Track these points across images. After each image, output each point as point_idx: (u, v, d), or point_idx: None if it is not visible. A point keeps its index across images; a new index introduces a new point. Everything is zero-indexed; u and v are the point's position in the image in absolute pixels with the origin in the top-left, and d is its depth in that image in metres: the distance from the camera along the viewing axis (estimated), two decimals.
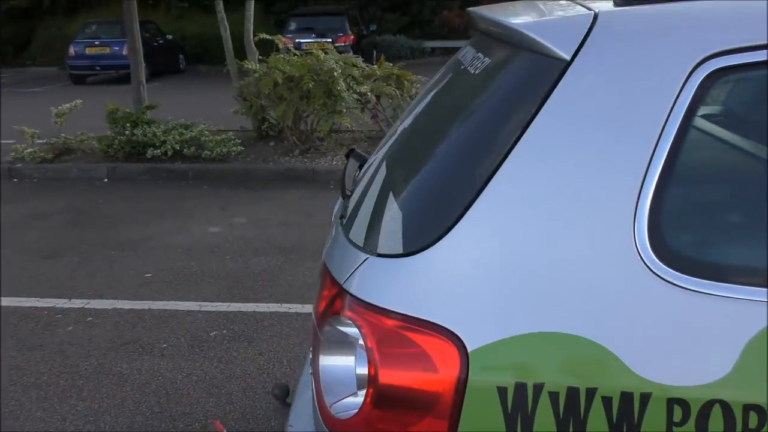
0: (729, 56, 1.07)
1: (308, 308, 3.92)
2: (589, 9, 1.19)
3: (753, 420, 1.01)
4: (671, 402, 1.02)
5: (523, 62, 1.23)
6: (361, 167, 1.80)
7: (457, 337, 1.08)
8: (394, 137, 1.59)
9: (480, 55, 1.43)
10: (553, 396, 1.05)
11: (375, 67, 7.44)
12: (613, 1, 1.21)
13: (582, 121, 1.11)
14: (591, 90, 1.12)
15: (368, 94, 7.11)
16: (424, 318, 1.10)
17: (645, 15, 1.15)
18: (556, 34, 1.17)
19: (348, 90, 6.81)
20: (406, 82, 7.40)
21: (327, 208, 5.92)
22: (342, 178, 1.71)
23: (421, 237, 1.15)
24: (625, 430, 1.03)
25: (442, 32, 19.54)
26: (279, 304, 3.92)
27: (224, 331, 3.60)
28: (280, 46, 7.94)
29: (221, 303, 3.95)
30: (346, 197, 1.53)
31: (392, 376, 1.11)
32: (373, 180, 1.44)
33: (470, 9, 1.73)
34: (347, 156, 1.86)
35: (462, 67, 1.51)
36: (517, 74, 1.23)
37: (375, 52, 14.71)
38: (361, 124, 7.45)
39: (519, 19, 1.31)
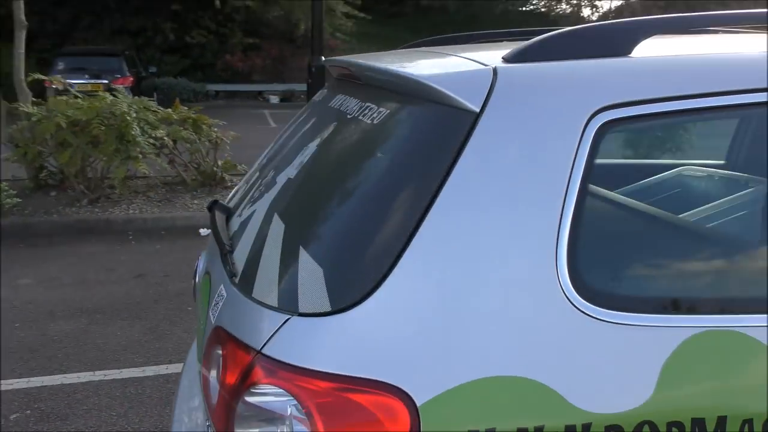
0: (616, 109, 1.20)
1: (127, 373, 3.57)
2: (483, 63, 1.25)
3: None
4: (608, 429, 1.09)
5: (430, 113, 1.24)
6: (228, 219, 1.70)
7: (404, 393, 1.05)
8: (278, 187, 1.52)
9: (370, 104, 1.42)
10: None
11: (170, 110, 7.12)
12: (502, 58, 1.28)
13: (498, 169, 1.15)
14: (503, 139, 1.17)
15: (165, 138, 6.77)
16: (365, 377, 1.06)
17: (538, 71, 1.24)
18: (464, 87, 1.20)
19: (143, 134, 6.42)
20: (204, 126, 7.18)
21: (128, 261, 5.50)
22: (215, 232, 1.59)
23: (349, 292, 1.10)
24: None
25: (225, 75, 19.34)
26: (92, 373, 3.50)
27: (28, 412, 3.12)
28: (59, 87, 7.27)
29: (18, 379, 3.43)
30: (228, 253, 1.43)
31: None
32: (265, 233, 1.36)
33: (337, 58, 1.74)
34: (210, 209, 1.74)
35: (349, 116, 1.49)
36: (427, 125, 1.24)
37: (156, 95, 14.09)
38: (157, 169, 7.05)
39: (418, 71, 1.33)
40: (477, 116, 1.17)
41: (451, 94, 1.19)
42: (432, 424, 1.05)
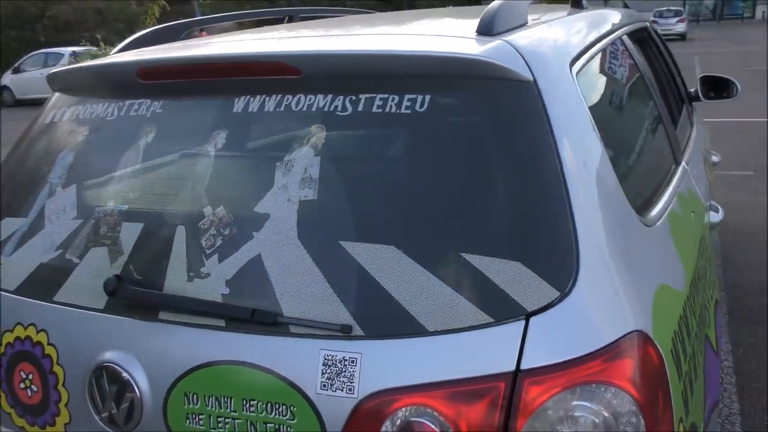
0: None
1: None
2: (488, 36, 1.38)
3: None
4: (690, 294, 1.57)
5: (488, 90, 1.27)
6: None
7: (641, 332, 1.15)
8: (292, 221, 1.26)
9: (381, 95, 1.28)
10: None
11: None
12: (477, 31, 1.40)
13: (577, 127, 1.31)
14: (560, 99, 1.29)
15: None
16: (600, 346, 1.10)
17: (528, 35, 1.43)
18: (510, 60, 1.27)
19: None
20: None
21: None
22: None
23: (562, 275, 1.14)
24: None
25: None
26: None
27: None
28: None
29: None
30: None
31: None
32: (354, 269, 1.19)
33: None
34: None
35: (345, 114, 1.31)
36: (492, 102, 1.27)
37: None
38: None
39: (454, 50, 1.31)
40: (533, 84, 1.26)
41: (509, 67, 1.26)
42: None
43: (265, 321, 1.19)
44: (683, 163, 2.13)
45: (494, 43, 1.35)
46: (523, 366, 1.07)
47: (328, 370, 1.14)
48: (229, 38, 1.85)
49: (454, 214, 1.21)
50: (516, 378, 1.07)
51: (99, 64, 1.68)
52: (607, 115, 1.61)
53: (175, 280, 1.30)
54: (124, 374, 1.27)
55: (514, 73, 1.27)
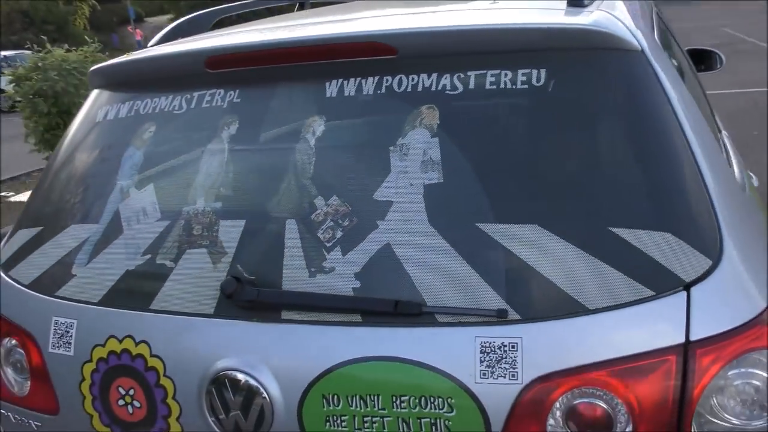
0: None
1: None
2: (580, 8, 1.36)
3: None
4: None
5: (603, 60, 1.25)
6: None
7: None
8: (439, 201, 1.21)
9: (491, 71, 1.26)
10: None
11: None
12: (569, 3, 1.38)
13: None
14: (665, 71, 1.29)
15: None
16: None
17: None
18: (620, 30, 1.26)
19: None
20: None
21: None
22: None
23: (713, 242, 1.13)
24: None
25: None
26: None
27: None
28: None
29: None
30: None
31: None
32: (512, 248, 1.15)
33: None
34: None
35: (457, 92, 1.26)
36: (611, 73, 1.25)
37: None
38: None
39: (563, 21, 1.28)
40: (643, 53, 1.26)
41: (625, 37, 1.25)
42: None
43: (411, 312, 1.13)
44: (723, 130, 2.16)
45: (597, 13, 1.32)
46: (692, 337, 1.05)
47: (487, 358, 1.09)
48: (282, 23, 1.77)
49: (593, 189, 1.17)
50: (687, 350, 1.05)
51: (158, 56, 1.57)
52: (686, 84, 1.61)
53: (295, 278, 1.22)
54: (251, 380, 1.19)
55: (627, 42, 1.25)
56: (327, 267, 1.22)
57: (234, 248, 1.29)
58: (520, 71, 1.25)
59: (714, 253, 1.10)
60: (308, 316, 1.20)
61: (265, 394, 1.18)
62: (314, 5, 2.72)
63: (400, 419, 1.12)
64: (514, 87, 1.25)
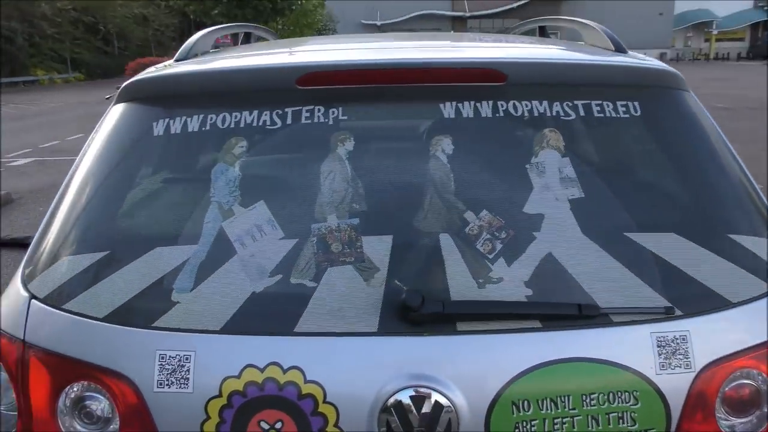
0: None
1: None
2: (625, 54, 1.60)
3: None
4: None
5: (671, 96, 1.48)
6: None
7: None
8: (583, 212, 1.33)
9: (604, 102, 1.41)
10: None
11: None
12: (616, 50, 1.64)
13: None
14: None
15: None
16: None
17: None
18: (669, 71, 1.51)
19: None
20: None
21: None
22: None
23: None
24: None
25: None
26: None
27: None
28: None
29: None
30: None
31: None
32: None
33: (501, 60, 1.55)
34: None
35: (569, 118, 1.40)
36: (679, 106, 1.48)
37: None
38: None
39: (643, 63, 1.48)
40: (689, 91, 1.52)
41: (681, 77, 1.50)
42: None
43: (591, 314, 1.22)
44: None
45: (649, 59, 1.56)
46: None
47: (664, 351, 1.21)
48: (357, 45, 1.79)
49: (709, 202, 1.38)
50: None
51: (236, 69, 1.48)
52: None
53: (463, 289, 1.24)
54: (437, 396, 1.16)
55: (683, 83, 1.50)
56: (495, 277, 1.25)
57: (386, 263, 1.26)
58: (619, 103, 1.43)
59: None
60: (484, 326, 1.22)
61: (452, 409, 1.17)
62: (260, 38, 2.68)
63: (589, 416, 1.19)
64: (617, 116, 1.42)
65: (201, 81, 1.47)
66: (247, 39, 2.72)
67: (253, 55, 1.66)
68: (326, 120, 1.39)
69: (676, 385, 1.21)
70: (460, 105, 1.39)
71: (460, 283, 1.24)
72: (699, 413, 1.21)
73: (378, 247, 1.27)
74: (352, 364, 1.20)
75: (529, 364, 1.19)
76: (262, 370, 1.19)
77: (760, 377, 1.24)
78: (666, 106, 1.46)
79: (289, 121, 1.39)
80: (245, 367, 1.20)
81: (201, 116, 1.41)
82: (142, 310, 1.25)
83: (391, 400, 1.17)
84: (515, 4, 39.47)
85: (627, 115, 1.42)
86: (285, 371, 1.19)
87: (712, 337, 1.24)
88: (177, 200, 1.36)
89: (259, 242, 1.29)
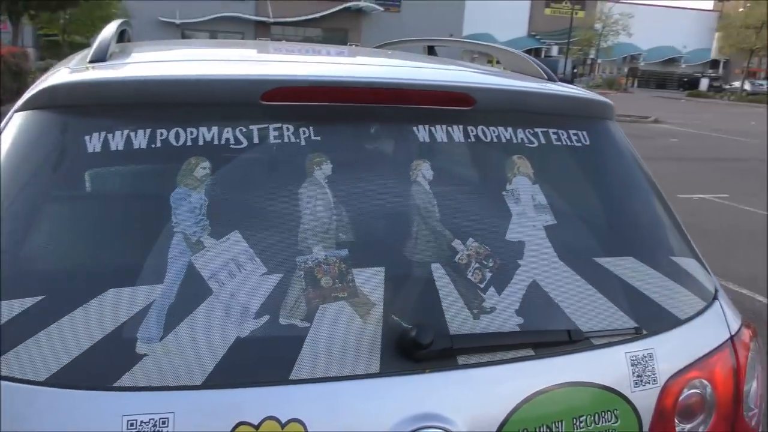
0: None
1: None
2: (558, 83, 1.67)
3: None
4: None
5: (604, 126, 1.56)
6: None
7: None
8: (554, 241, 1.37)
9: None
10: None
11: None
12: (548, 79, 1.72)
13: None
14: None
15: None
16: None
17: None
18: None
19: None
20: None
21: None
22: None
23: None
24: None
25: None
26: None
27: None
28: None
29: None
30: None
31: None
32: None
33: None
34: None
35: (530, 145, 1.43)
36: (616, 139, 1.57)
37: None
38: None
39: (573, 92, 1.56)
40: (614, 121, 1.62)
41: (611, 109, 1.60)
42: None
43: (578, 339, 1.25)
44: None
45: (581, 89, 1.66)
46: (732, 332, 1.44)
47: (636, 369, 1.28)
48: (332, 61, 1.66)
49: (655, 227, 1.48)
50: (732, 341, 1.43)
51: (187, 79, 1.29)
52: None
53: (460, 321, 1.20)
54: None
55: (612, 113, 1.62)
56: (487, 307, 1.23)
57: (381, 297, 1.18)
58: (570, 131, 1.49)
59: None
60: (483, 358, 1.19)
61: None
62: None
63: None
64: (571, 144, 1.48)
65: (147, 89, 1.26)
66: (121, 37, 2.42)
67: (199, 61, 1.47)
68: (297, 140, 1.28)
69: (647, 401, 1.29)
70: (432, 129, 1.36)
71: (456, 315, 1.21)
72: (662, 424, 1.30)
73: (371, 280, 1.19)
74: (355, 411, 1.11)
75: (527, 393, 1.20)
76: (257, 427, 1.06)
77: (704, 385, 1.36)
78: (606, 137, 1.56)
79: (255, 140, 1.25)
80: (237, 426, 1.05)
81: (148, 131, 1.22)
82: (98, 368, 1.05)
83: None
84: (318, 14, 40.00)
85: (579, 144, 1.48)
86: (284, 425, 1.07)
87: (670, 353, 1.34)
88: (128, 232, 1.16)
89: (239, 279, 1.14)
